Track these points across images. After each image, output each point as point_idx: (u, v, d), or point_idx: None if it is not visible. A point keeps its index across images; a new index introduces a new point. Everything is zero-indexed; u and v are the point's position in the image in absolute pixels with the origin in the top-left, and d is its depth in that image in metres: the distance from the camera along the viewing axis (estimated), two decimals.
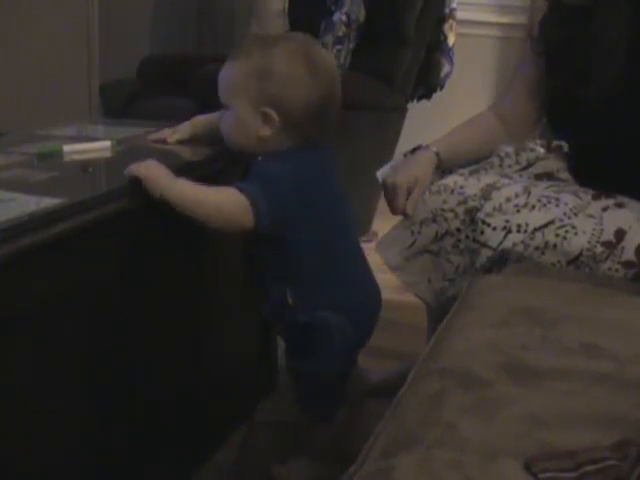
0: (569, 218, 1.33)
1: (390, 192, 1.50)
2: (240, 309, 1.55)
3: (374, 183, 1.65)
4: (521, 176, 1.52)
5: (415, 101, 3.02)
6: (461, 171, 1.50)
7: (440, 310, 1.41)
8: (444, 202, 1.44)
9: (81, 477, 1.15)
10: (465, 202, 1.42)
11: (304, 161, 1.24)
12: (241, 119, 1.24)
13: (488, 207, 1.38)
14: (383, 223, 1.87)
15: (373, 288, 1.37)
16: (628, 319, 1.08)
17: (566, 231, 1.32)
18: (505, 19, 3.53)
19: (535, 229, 1.33)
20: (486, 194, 1.40)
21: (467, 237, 1.41)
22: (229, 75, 1.25)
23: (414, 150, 1.59)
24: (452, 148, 1.57)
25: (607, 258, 1.30)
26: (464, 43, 3.11)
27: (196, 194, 1.17)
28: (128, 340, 1.21)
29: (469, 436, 0.76)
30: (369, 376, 1.76)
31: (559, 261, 1.32)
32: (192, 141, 1.43)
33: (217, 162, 1.38)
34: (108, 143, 1.41)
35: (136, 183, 1.16)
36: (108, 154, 1.40)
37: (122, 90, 2.99)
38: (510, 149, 1.57)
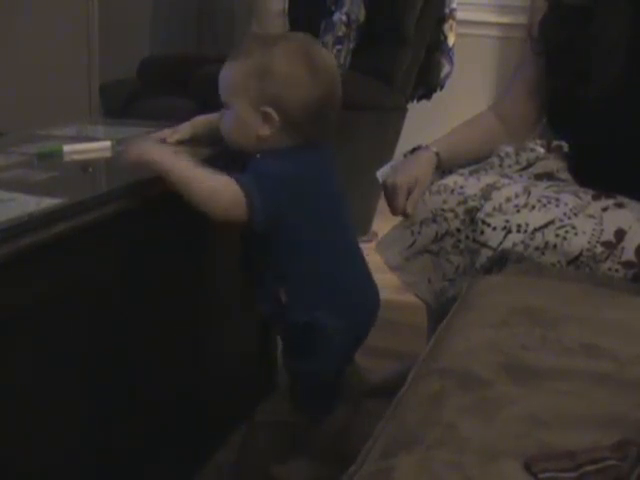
0: (569, 218, 1.33)
1: (390, 192, 1.50)
2: (240, 309, 1.55)
3: (374, 183, 1.65)
4: (521, 176, 1.52)
5: (415, 101, 3.02)
6: (461, 171, 1.50)
7: (440, 310, 1.41)
8: (444, 202, 1.44)
9: (81, 477, 1.15)
10: (465, 202, 1.42)
11: (303, 160, 1.24)
12: (241, 118, 1.24)
13: (488, 207, 1.38)
14: (383, 223, 1.87)
15: (371, 288, 1.37)
16: (628, 319, 1.08)
17: (566, 231, 1.32)
18: (505, 19, 3.53)
19: (535, 229, 1.33)
20: (486, 194, 1.40)
21: (467, 237, 1.41)
22: (229, 74, 1.25)
23: (414, 150, 1.59)
24: (452, 148, 1.57)
25: (607, 258, 1.30)
26: (464, 43, 3.12)
27: (194, 176, 1.17)
28: (128, 340, 1.21)
29: (469, 436, 0.76)
30: (369, 376, 1.76)
31: (559, 261, 1.32)
32: (192, 141, 1.43)
33: (217, 162, 1.38)
34: (108, 143, 1.42)
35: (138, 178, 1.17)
36: (108, 154, 1.40)
37: (122, 90, 2.99)
38: (510, 149, 1.57)
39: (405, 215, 1.49)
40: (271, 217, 1.19)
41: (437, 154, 1.53)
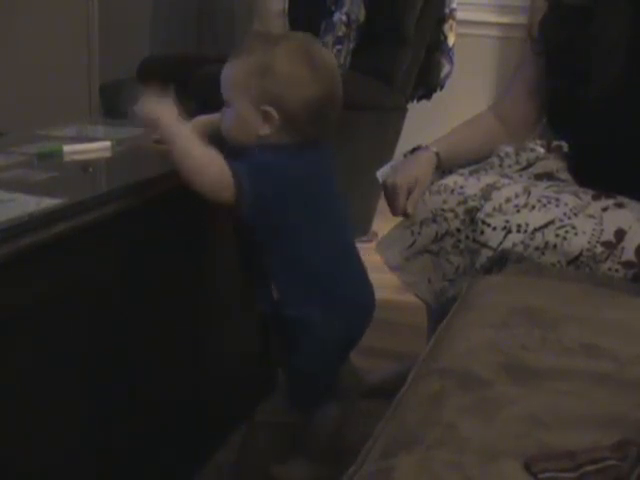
0: (569, 218, 1.33)
1: (390, 192, 1.50)
2: (240, 309, 1.55)
3: (374, 183, 1.65)
4: (521, 176, 1.52)
5: (415, 101, 3.02)
6: (461, 171, 1.50)
7: (440, 310, 1.41)
8: (444, 202, 1.44)
9: (81, 477, 1.15)
10: (465, 202, 1.42)
11: (301, 158, 1.24)
12: (242, 117, 1.24)
13: (488, 207, 1.38)
14: (383, 223, 1.87)
15: (366, 288, 1.37)
16: (628, 319, 1.08)
17: (566, 231, 1.32)
18: (505, 19, 3.53)
19: (535, 229, 1.33)
20: (486, 194, 1.40)
21: (467, 237, 1.41)
22: (231, 72, 1.26)
23: (414, 150, 1.59)
24: (452, 148, 1.57)
25: (607, 258, 1.30)
26: (464, 43, 3.11)
27: (192, 148, 1.20)
28: (128, 340, 1.21)
29: (469, 436, 0.76)
30: (368, 377, 1.76)
31: (559, 261, 1.32)
32: None
33: None
34: (108, 143, 1.42)
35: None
36: (108, 154, 1.40)
37: (122, 90, 2.99)
38: (510, 149, 1.57)
39: (405, 215, 1.49)
40: (259, 204, 1.20)
41: (437, 154, 1.53)
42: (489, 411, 0.81)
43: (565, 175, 1.56)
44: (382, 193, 1.54)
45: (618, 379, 0.90)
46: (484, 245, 1.36)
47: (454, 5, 2.92)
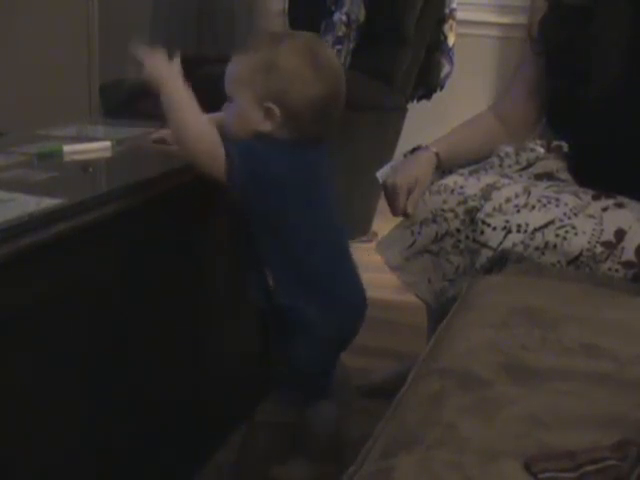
0: (569, 218, 1.33)
1: (390, 193, 1.50)
2: (240, 309, 1.55)
3: (374, 183, 1.65)
4: (521, 176, 1.52)
5: (415, 101, 3.02)
6: (461, 171, 1.50)
7: (440, 310, 1.41)
8: (444, 202, 1.44)
9: (81, 477, 1.15)
10: (465, 202, 1.42)
11: (300, 155, 1.24)
12: (244, 112, 1.24)
13: (488, 207, 1.38)
14: (383, 223, 1.87)
15: (357, 288, 1.36)
16: (628, 319, 1.08)
17: (566, 231, 1.32)
18: (505, 19, 3.53)
19: (535, 229, 1.33)
20: (486, 194, 1.40)
21: (467, 237, 1.41)
22: (236, 68, 1.26)
23: (414, 150, 1.59)
24: (452, 148, 1.57)
25: (607, 258, 1.30)
26: (464, 43, 3.11)
27: (189, 115, 1.22)
28: (128, 340, 1.21)
29: (469, 436, 0.76)
30: (369, 376, 1.76)
31: (559, 261, 1.32)
32: None
33: None
34: (108, 143, 1.42)
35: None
36: (108, 154, 1.40)
37: (122, 90, 2.99)
38: (510, 149, 1.57)
39: (405, 215, 1.49)
40: (248, 183, 1.20)
41: (437, 154, 1.53)
42: (489, 411, 0.81)
43: (565, 175, 1.56)
44: (382, 193, 1.55)
45: (618, 379, 0.90)
46: (484, 245, 1.36)
47: (454, 5, 2.92)
